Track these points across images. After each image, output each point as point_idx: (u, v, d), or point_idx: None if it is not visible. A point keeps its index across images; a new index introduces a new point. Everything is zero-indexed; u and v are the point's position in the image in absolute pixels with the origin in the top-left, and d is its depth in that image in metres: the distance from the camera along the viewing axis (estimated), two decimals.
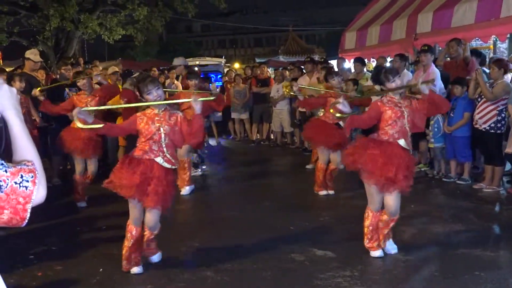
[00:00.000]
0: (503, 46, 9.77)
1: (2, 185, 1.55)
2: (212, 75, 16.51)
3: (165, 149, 4.43)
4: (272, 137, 13.17)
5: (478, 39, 9.30)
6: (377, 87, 7.34)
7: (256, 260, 4.86)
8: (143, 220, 4.65)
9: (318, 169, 7.38)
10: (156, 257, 4.95)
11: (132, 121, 4.54)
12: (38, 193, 1.62)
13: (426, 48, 8.35)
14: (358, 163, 4.74)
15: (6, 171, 1.57)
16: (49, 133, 8.56)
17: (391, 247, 4.98)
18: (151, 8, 21.13)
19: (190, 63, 18.38)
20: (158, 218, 4.64)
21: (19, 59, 13.13)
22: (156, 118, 4.44)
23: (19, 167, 1.61)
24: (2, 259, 4.99)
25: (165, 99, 4.89)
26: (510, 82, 7.34)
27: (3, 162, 1.58)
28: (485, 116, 7.18)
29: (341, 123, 6.52)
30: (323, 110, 7.50)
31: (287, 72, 13.25)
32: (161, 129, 4.41)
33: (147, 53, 38.77)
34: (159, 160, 4.43)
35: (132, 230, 4.62)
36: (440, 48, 9.57)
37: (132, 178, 4.35)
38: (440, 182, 7.82)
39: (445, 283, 4.34)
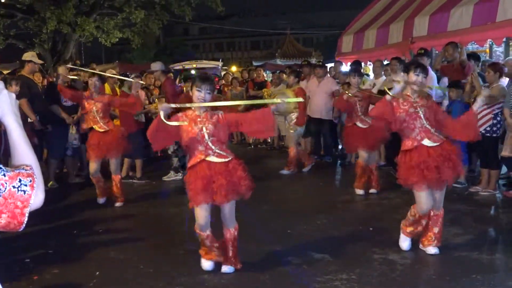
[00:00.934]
0: (499, 50, 9.80)
1: (0, 189, 1.55)
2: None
3: (212, 147, 4.45)
4: (269, 140, 13.17)
5: (474, 43, 9.34)
6: (374, 91, 7.42)
7: (254, 264, 4.86)
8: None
9: (359, 166, 7.53)
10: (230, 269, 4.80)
11: (176, 120, 4.55)
12: (36, 197, 1.62)
13: (423, 51, 8.39)
14: (407, 180, 4.90)
15: (4, 175, 1.57)
16: (45, 136, 8.56)
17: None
18: (148, 11, 21.12)
19: (187, 66, 18.46)
20: (233, 211, 4.64)
21: (16, 62, 13.13)
22: (198, 119, 4.47)
23: (18, 171, 1.61)
24: None
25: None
26: (506, 85, 7.37)
27: (1, 166, 1.58)
28: (481, 120, 7.19)
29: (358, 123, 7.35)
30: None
31: (284, 75, 13.27)
32: (204, 128, 4.44)
33: (144, 56, 38.78)
34: (210, 158, 4.46)
35: (201, 234, 4.63)
36: (437, 52, 9.60)
37: (196, 185, 4.42)
38: None
39: (443, 286, 4.35)
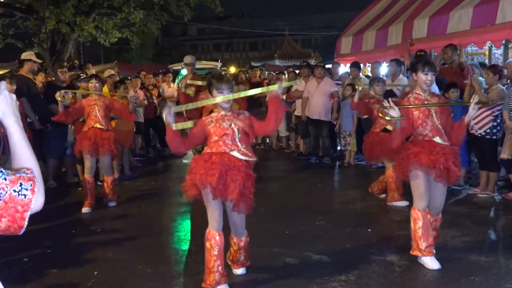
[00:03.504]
0: (498, 52, 9.81)
1: (1, 193, 1.54)
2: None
3: (239, 144, 4.27)
4: (267, 141, 13.18)
5: (473, 45, 9.36)
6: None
7: (251, 265, 4.85)
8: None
9: (388, 177, 7.02)
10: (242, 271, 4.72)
11: (202, 124, 4.35)
12: (37, 201, 1.62)
13: (422, 53, 8.40)
14: (406, 168, 4.79)
15: (5, 179, 1.55)
16: (44, 135, 8.56)
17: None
18: (147, 12, 21.11)
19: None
20: (243, 219, 4.44)
21: (14, 61, 13.09)
22: (226, 117, 4.31)
23: (18, 175, 1.60)
24: None
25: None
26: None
27: (2, 169, 1.57)
28: (480, 122, 7.21)
29: (388, 127, 6.46)
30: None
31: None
32: (233, 124, 4.28)
33: (143, 56, 38.80)
34: (235, 153, 4.25)
35: (215, 235, 4.29)
36: (436, 54, 9.62)
37: (209, 175, 4.10)
38: None
39: None
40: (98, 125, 7.14)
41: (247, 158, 4.28)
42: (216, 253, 4.28)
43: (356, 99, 7.28)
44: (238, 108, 4.62)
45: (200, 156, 4.35)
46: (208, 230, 4.34)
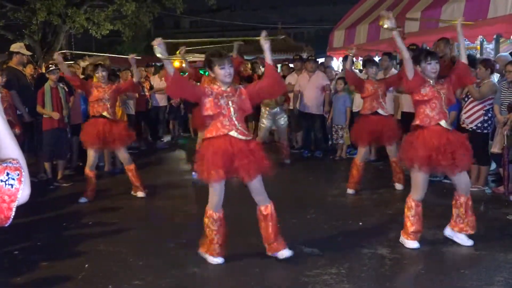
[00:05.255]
0: (489, 46, 9.83)
1: None
2: (201, 72, 16.22)
3: (236, 123, 4.45)
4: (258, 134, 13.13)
5: (465, 39, 9.35)
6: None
7: (242, 257, 4.86)
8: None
9: (354, 165, 7.23)
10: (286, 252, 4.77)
11: (200, 87, 4.59)
12: (23, 191, 1.60)
13: (414, 47, 8.40)
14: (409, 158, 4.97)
15: None
16: (35, 127, 8.49)
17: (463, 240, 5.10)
18: (139, 4, 20.97)
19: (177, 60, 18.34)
20: (263, 188, 4.64)
21: (5, 53, 12.99)
22: (225, 94, 4.44)
23: (5, 164, 1.58)
24: None
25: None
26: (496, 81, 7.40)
27: None
28: (472, 116, 7.22)
29: (379, 110, 6.99)
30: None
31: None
32: (230, 103, 4.43)
33: (135, 48, 38.57)
34: (233, 133, 4.44)
35: (212, 215, 4.58)
36: (428, 48, 9.62)
37: (215, 160, 4.38)
38: None
39: (432, 281, 4.37)
40: (106, 114, 7.11)
41: (245, 138, 4.48)
42: (215, 228, 4.56)
43: (348, 66, 7.37)
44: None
45: (206, 144, 4.52)
46: (207, 208, 4.59)
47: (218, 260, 4.70)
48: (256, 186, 4.60)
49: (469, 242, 5.06)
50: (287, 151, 9.82)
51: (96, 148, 7.15)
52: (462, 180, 5.02)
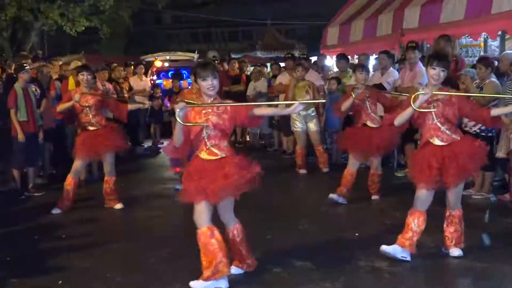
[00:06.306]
0: (494, 44, 9.86)
1: None
2: (184, 71, 16.22)
3: (207, 142, 4.50)
4: (248, 139, 13.16)
5: (467, 36, 9.42)
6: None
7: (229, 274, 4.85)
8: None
9: (346, 172, 7.33)
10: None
11: (191, 136, 4.59)
12: None
13: (414, 45, 8.46)
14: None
15: None
16: (2, 132, 8.42)
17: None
18: None
19: (159, 58, 18.31)
20: (231, 209, 4.72)
21: None
22: (203, 111, 4.49)
23: None
24: None
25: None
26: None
27: None
28: None
29: (368, 122, 7.13)
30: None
31: (265, 69, 13.26)
32: (208, 119, 4.47)
33: (114, 47, 38.38)
34: (202, 155, 4.54)
35: (207, 232, 4.51)
36: (429, 46, 9.69)
37: (189, 184, 4.51)
38: None
39: None
40: (90, 127, 7.14)
41: (213, 157, 4.51)
42: (216, 246, 4.43)
43: (344, 107, 7.30)
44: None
45: (190, 165, 4.63)
46: (198, 231, 4.49)
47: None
48: (224, 203, 4.61)
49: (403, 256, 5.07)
50: (324, 158, 9.62)
51: (83, 156, 7.15)
52: (450, 194, 5.21)
